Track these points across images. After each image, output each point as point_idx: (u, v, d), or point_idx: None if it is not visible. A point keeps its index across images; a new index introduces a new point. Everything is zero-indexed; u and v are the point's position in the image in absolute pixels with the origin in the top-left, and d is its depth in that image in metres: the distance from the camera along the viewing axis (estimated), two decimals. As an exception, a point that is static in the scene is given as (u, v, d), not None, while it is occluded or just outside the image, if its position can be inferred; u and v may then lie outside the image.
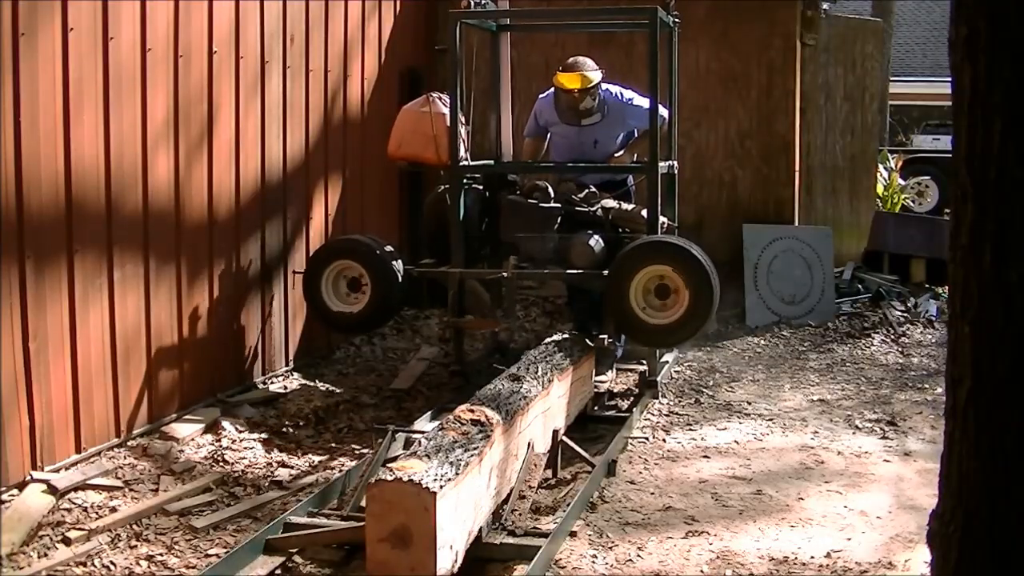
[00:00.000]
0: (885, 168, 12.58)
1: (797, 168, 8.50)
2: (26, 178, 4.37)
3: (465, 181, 6.08)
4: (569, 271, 5.91)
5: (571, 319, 7.08)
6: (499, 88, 6.47)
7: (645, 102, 6.15)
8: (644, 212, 5.96)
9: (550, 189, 6.08)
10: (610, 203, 6.10)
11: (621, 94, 6.40)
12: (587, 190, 6.13)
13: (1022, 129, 1.94)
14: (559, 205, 6.01)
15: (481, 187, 6.27)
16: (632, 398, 6.07)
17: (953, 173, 2.06)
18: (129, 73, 4.99)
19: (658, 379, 6.10)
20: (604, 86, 6.33)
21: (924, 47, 26.72)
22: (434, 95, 6.23)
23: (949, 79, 2.07)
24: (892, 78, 18.68)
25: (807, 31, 8.49)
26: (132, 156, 5.04)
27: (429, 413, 5.45)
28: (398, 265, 5.98)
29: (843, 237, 9.27)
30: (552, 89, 6.44)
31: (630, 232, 6.01)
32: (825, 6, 9.11)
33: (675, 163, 6.61)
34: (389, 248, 6.06)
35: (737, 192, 8.40)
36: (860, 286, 8.90)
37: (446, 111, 6.03)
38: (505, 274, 5.79)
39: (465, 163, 6.07)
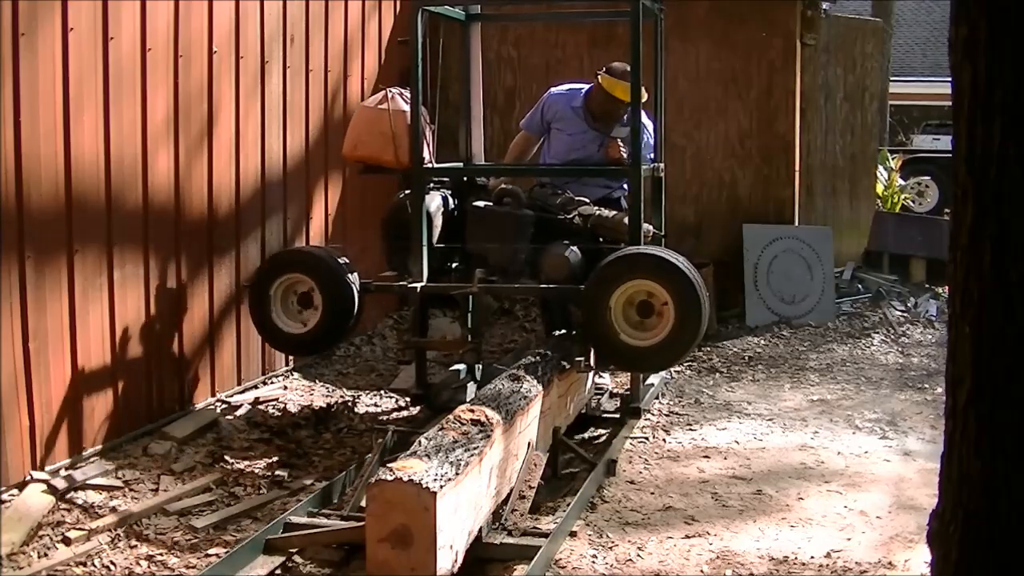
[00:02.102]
0: (885, 168, 12.59)
1: (797, 168, 8.50)
2: (26, 178, 4.38)
3: (434, 185, 5.59)
4: (542, 286, 5.41)
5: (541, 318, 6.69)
6: (470, 83, 6.12)
7: (650, 125, 5.84)
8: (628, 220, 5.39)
9: (522, 194, 5.57)
10: (589, 209, 5.53)
11: None
12: (564, 194, 5.61)
13: (1022, 129, 1.94)
14: (531, 212, 5.48)
15: (449, 192, 5.69)
16: (615, 421, 5.56)
17: (953, 173, 2.06)
18: (129, 73, 4.99)
19: (641, 405, 5.55)
20: None
21: (924, 47, 26.71)
22: (393, 91, 5.59)
23: (949, 79, 2.07)
24: (892, 78, 18.67)
25: (807, 31, 8.49)
26: (132, 156, 5.04)
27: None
28: (353, 279, 5.39)
29: (843, 237, 9.28)
30: (568, 86, 6.09)
31: (612, 242, 5.39)
32: (825, 6, 9.11)
33: (662, 165, 6.12)
34: (344, 260, 5.46)
35: (737, 192, 8.40)
36: (860, 286, 8.91)
37: (407, 108, 5.43)
38: (471, 289, 5.29)
39: (429, 166, 5.49)
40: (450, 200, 5.66)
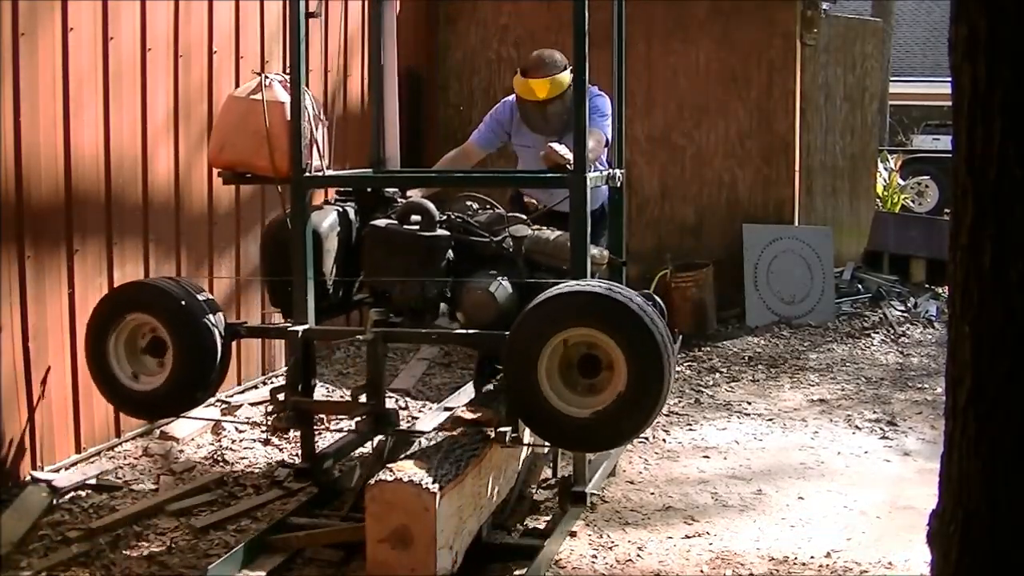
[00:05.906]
0: (885, 168, 12.59)
1: (797, 168, 8.51)
2: (26, 178, 4.38)
3: (337, 200, 4.58)
4: (459, 331, 4.11)
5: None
6: (381, 69, 4.91)
7: (603, 104, 4.86)
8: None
9: (433, 209, 4.21)
10: (523, 229, 4.27)
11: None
12: (494, 210, 4.42)
13: (1022, 129, 1.94)
14: (447, 233, 4.19)
15: (352, 207, 4.54)
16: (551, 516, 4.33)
17: (953, 173, 2.06)
18: (129, 73, 5.00)
19: (587, 489, 4.10)
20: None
21: (924, 47, 26.73)
22: (272, 76, 4.31)
23: (949, 79, 2.07)
24: (892, 78, 18.69)
25: (807, 31, 8.50)
26: (132, 156, 5.05)
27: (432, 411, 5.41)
28: (216, 320, 4.13)
29: (843, 237, 9.28)
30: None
31: (553, 271, 4.11)
32: (825, 6, 9.12)
33: (621, 172, 4.77)
34: (205, 297, 4.17)
35: (737, 192, 8.40)
36: (860, 286, 8.92)
37: (287, 99, 4.18)
38: (362, 336, 4.08)
39: (318, 174, 4.23)
40: (351, 217, 4.50)
